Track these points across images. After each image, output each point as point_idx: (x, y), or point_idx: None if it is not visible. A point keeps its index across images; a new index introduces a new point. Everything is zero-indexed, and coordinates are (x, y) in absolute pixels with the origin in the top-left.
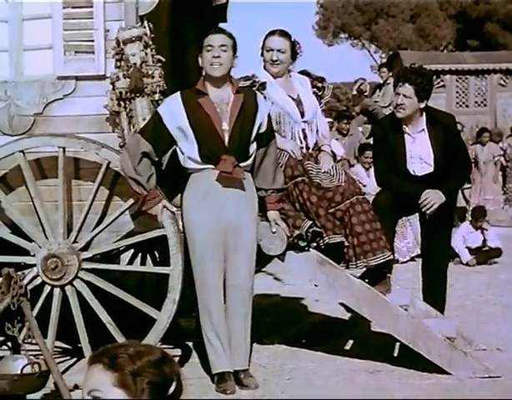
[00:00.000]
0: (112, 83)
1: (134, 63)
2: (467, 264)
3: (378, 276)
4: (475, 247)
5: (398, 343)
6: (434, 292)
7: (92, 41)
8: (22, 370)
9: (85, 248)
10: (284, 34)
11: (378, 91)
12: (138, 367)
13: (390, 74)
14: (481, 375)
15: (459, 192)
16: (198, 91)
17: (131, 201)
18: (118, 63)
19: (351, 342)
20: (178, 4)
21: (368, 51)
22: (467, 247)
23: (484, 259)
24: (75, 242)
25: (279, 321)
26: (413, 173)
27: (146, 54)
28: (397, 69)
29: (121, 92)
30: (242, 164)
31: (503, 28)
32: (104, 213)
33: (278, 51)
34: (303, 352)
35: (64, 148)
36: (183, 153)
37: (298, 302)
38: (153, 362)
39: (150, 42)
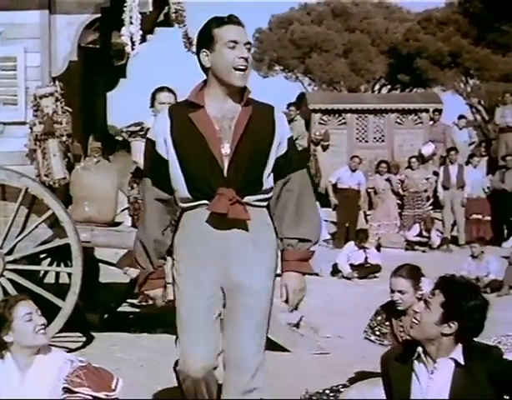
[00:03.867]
0: (31, 128)
1: (47, 113)
2: (347, 278)
3: None
4: (358, 263)
5: None
6: None
7: (16, 95)
8: None
9: (9, 253)
10: (171, 90)
11: None
12: None
13: (298, 112)
14: (315, 352)
15: (363, 215)
16: (191, 103)
17: (43, 217)
18: (35, 113)
19: None
20: (87, 64)
21: (302, 83)
22: (350, 264)
23: (365, 274)
24: (1, 248)
25: None
26: None
27: (56, 106)
28: None
29: (37, 135)
30: (250, 198)
31: (432, 64)
32: (24, 226)
33: (169, 103)
34: None
35: None
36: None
37: None
38: None
39: (60, 97)
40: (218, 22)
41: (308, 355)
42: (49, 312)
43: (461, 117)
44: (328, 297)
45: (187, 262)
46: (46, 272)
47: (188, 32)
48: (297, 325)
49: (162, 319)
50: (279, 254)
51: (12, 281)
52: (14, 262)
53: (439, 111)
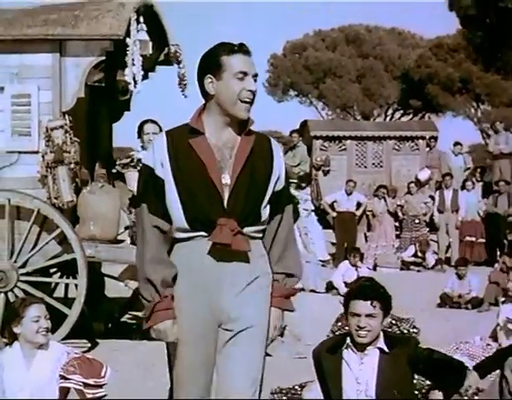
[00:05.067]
0: (43, 156)
1: (57, 143)
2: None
3: None
4: (351, 281)
5: None
6: None
7: (30, 128)
8: None
9: (22, 266)
10: (155, 122)
11: (289, 152)
12: None
13: (300, 138)
14: (294, 356)
15: (363, 236)
16: (192, 129)
17: (53, 235)
18: (47, 143)
19: None
20: (93, 100)
21: (316, 108)
22: (344, 282)
23: None
24: (15, 262)
25: None
26: None
27: (66, 137)
28: None
29: (48, 162)
30: (249, 229)
31: (443, 90)
32: (36, 243)
33: (154, 133)
34: None
35: (9, 199)
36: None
37: None
38: None
39: (69, 129)
40: (228, 49)
41: (287, 359)
42: (60, 320)
43: (457, 143)
44: (319, 310)
45: (180, 294)
46: (56, 286)
47: (184, 72)
48: (281, 334)
49: None
50: None
51: (25, 291)
52: (27, 274)
53: (435, 138)
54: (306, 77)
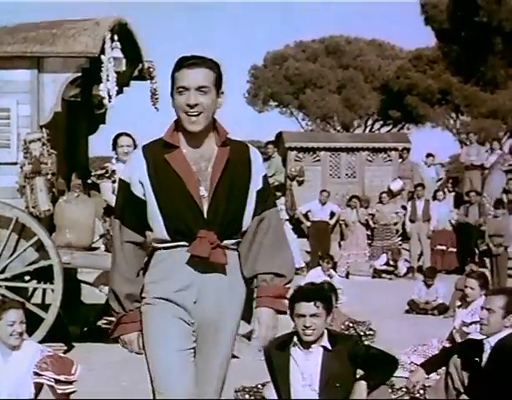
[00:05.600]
0: (21, 167)
1: (35, 155)
2: None
3: None
4: None
5: None
6: None
7: (9, 140)
8: None
9: (1, 272)
10: (129, 135)
11: (265, 162)
12: None
13: (275, 149)
14: (258, 358)
15: (337, 245)
16: (166, 143)
17: (31, 242)
18: (25, 155)
19: None
20: (70, 114)
21: (297, 118)
22: None
23: None
24: None
25: None
26: None
27: (43, 149)
28: None
29: (26, 173)
30: (228, 242)
31: (422, 101)
32: (14, 250)
33: (128, 146)
34: None
35: None
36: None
37: None
38: None
39: (46, 142)
40: (176, 64)
41: (253, 360)
42: (37, 324)
43: (429, 155)
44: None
45: (157, 299)
46: (34, 292)
47: (156, 88)
48: (248, 337)
49: None
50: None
51: (3, 296)
52: (5, 279)
53: (408, 149)
54: (287, 88)
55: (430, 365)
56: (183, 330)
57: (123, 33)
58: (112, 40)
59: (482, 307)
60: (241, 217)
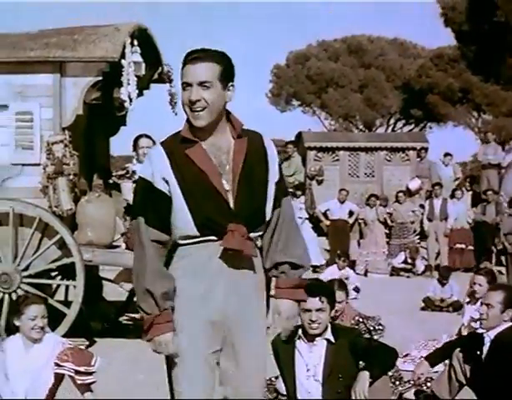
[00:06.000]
0: (44, 168)
1: (58, 156)
2: None
3: None
4: None
5: None
6: None
7: (32, 142)
8: None
9: (25, 270)
10: (149, 136)
11: (285, 162)
12: None
13: (295, 149)
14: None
15: (356, 243)
16: (185, 139)
17: (53, 240)
18: (48, 156)
19: None
20: (91, 116)
21: (319, 117)
22: None
23: None
24: (18, 265)
25: None
26: None
27: (65, 151)
28: None
29: (49, 174)
30: (254, 235)
31: (444, 100)
32: (37, 248)
33: (148, 147)
34: None
35: (13, 208)
36: (173, 227)
37: None
38: None
39: (68, 143)
40: (183, 60)
41: (269, 355)
42: (60, 320)
43: (447, 154)
44: None
45: (184, 297)
46: (57, 289)
47: (174, 91)
48: None
49: None
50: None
51: (27, 292)
52: (29, 276)
53: (426, 149)
54: (308, 87)
55: (434, 358)
56: (208, 330)
57: (143, 38)
58: (132, 45)
59: (481, 303)
60: (264, 208)
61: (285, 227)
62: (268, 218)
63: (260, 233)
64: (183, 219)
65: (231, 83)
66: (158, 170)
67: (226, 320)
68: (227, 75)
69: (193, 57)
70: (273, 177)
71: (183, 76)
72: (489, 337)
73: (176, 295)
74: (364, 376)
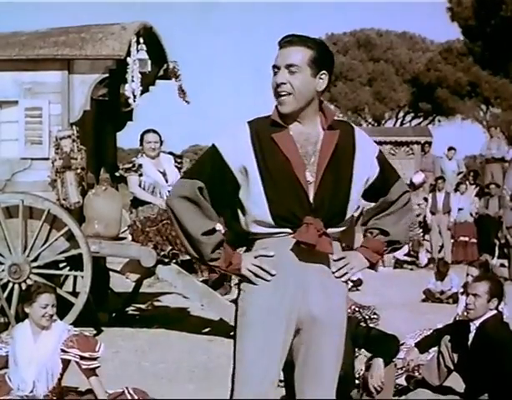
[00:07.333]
0: (52, 162)
1: (66, 151)
2: None
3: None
4: None
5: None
6: None
7: (41, 137)
8: None
9: (34, 260)
10: (156, 131)
11: None
12: None
13: None
14: None
15: (361, 236)
16: (273, 122)
17: (61, 232)
18: (56, 151)
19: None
20: (99, 112)
21: None
22: None
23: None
24: (28, 256)
25: None
26: None
27: (73, 145)
28: None
29: (57, 168)
30: (332, 231)
31: (452, 93)
32: (46, 239)
33: (155, 142)
34: None
35: (23, 200)
36: (244, 212)
37: None
38: None
39: (76, 139)
40: (278, 45)
41: None
42: (69, 309)
43: (451, 148)
44: None
45: (259, 292)
46: (65, 280)
47: (182, 85)
48: None
49: (157, 318)
50: None
51: (36, 282)
52: (38, 267)
53: (430, 143)
54: None
55: (424, 344)
56: (279, 325)
57: (149, 36)
58: (138, 43)
59: (468, 293)
60: (346, 205)
61: (394, 209)
62: (347, 217)
63: (340, 230)
64: (258, 205)
65: (323, 71)
66: (239, 147)
67: (304, 315)
68: (319, 61)
69: (285, 41)
70: (364, 174)
71: (275, 59)
72: (474, 325)
73: (248, 295)
74: (379, 363)
